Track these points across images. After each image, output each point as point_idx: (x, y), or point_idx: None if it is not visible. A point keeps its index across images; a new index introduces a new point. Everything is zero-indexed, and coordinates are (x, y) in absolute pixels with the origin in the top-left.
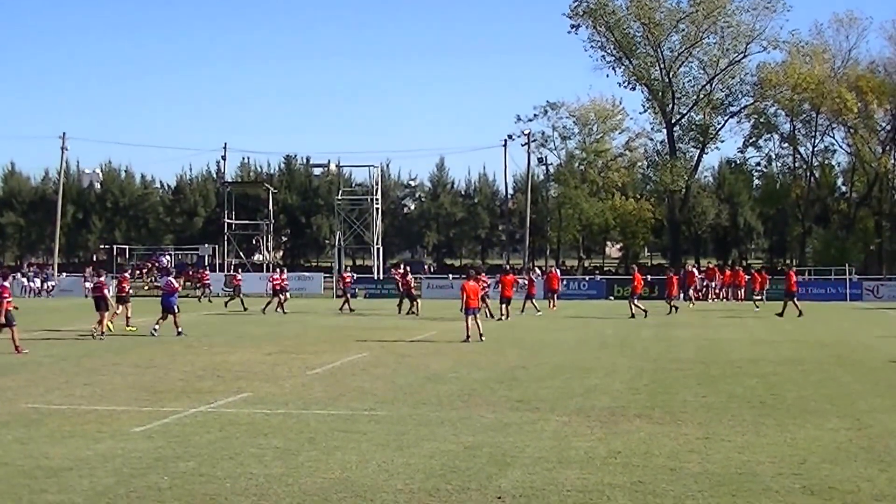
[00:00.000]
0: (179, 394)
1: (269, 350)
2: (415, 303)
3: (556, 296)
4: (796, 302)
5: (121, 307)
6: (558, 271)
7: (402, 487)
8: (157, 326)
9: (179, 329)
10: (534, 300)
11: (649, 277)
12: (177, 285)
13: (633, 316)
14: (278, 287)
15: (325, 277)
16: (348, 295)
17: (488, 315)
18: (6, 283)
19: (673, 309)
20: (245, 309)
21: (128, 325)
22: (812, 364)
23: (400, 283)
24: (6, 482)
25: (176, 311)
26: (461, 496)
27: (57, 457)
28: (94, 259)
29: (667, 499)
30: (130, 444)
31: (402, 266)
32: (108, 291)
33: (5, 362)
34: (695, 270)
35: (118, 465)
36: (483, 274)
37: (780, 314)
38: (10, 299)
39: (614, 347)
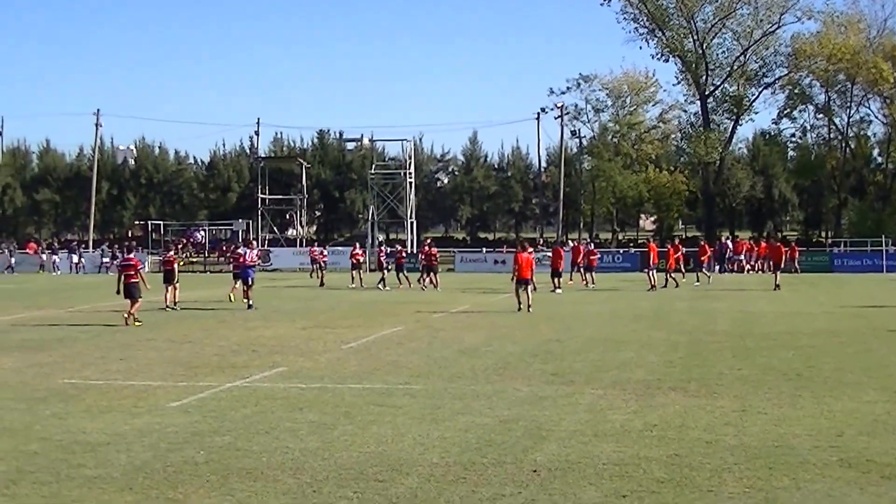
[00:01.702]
0: (215, 369)
1: (303, 324)
2: (435, 276)
3: (582, 271)
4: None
5: (169, 287)
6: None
7: (437, 461)
8: (250, 302)
9: (250, 302)
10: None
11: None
12: (253, 258)
13: (652, 287)
14: (355, 261)
15: (393, 251)
16: (384, 270)
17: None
18: (131, 256)
19: (707, 279)
20: (322, 285)
21: (167, 305)
22: (848, 336)
23: (422, 257)
24: (44, 457)
25: (250, 283)
26: (497, 470)
27: (94, 431)
28: (129, 235)
29: (703, 472)
30: (167, 419)
31: (426, 242)
32: (144, 269)
33: (42, 338)
34: (729, 242)
35: (155, 440)
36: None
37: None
38: (132, 273)
39: (649, 320)
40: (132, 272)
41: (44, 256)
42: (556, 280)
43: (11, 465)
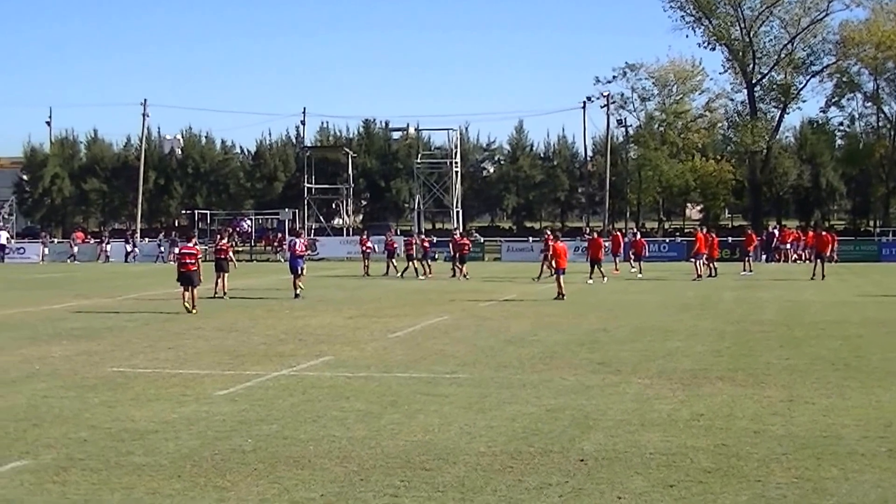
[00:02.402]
0: (262, 357)
1: (349, 314)
2: (463, 266)
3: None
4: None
5: (220, 275)
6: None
7: (484, 450)
8: (298, 291)
9: (298, 291)
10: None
11: (730, 239)
12: (303, 248)
13: (699, 276)
14: (428, 249)
15: (404, 241)
16: (428, 259)
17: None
18: (191, 244)
19: (748, 268)
20: (402, 276)
21: (216, 293)
22: None
23: (452, 246)
24: (94, 444)
25: (300, 273)
26: (543, 459)
27: (142, 419)
28: (176, 224)
29: (750, 461)
30: (214, 408)
31: (456, 231)
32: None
33: (91, 327)
34: (775, 231)
35: (202, 428)
36: (548, 233)
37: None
38: (192, 261)
39: (695, 309)
40: (192, 260)
41: (107, 246)
42: (594, 269)
43: (61, 452)
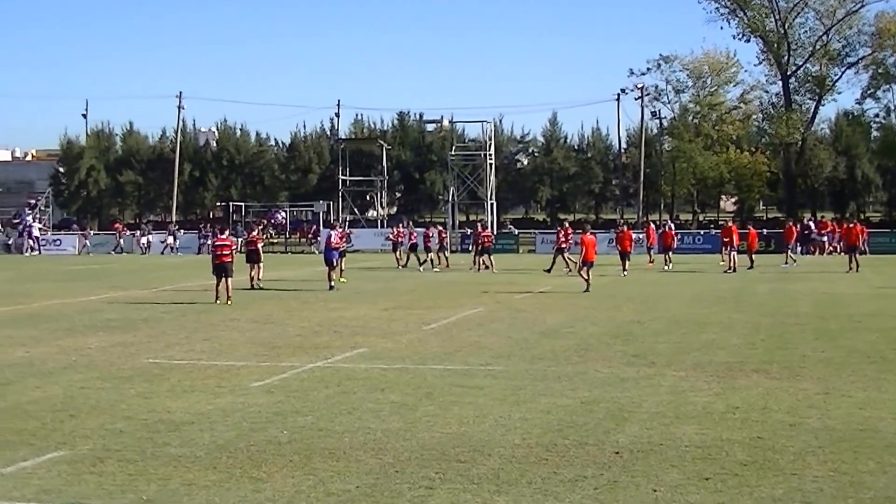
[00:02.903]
0: (297, 349)
1: (384, 305)
2: (487, 258)
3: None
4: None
5: (253, 267)
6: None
7: (519, 442)
8: (333, 283)
9: (333, 283)
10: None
11: (764, 231)
12: (338, 240)
13: (731, 268)
14: (444, 240)
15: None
16: (445, 251)
17: (566, 268)
18: (224, 236)
19: (789, 260)
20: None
21: (252, 285)
22: None
23: (474, 238)
24: (130, 435)
25: (334, 265)
26: (578, 451)
27: (178, 411)
28: (211, 216)
29: (786, 454)
30: (250, 399)
31: (479, 223)
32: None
33: (127, 318)
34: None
35: (238, 420)
36: (567, 226)
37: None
38: (227, 253)
39: (730, 302)
40: (226, 251)
41: (148, 238)
42: (625, 262)
43: (98, 443)
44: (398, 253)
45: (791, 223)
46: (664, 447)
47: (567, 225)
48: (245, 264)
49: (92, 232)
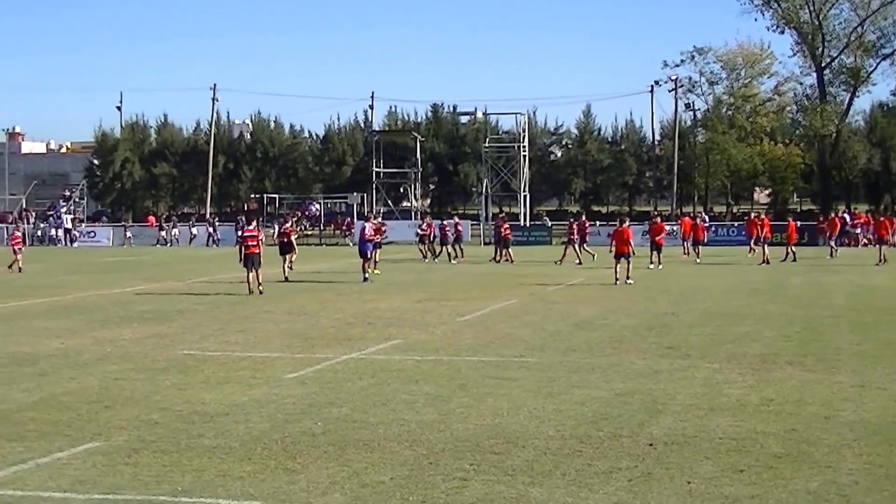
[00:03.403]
0: (331, 341)
1: (418, 297)
2: (507, 251)
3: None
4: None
5: (285, 258)
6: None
7: (553, 434)
8: (366, 275)
9: (367, 275)
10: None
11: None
12: (372, 232)
13: (764, 261)
14: (461, 233)
15: (472, 225)
16: (460, 244)
17: (578, 260)
18: (251, 227)
19: (835, 252)
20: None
21: (286, 277)
22: None
23: (499, 231)
24: (165, 427)
25: (367, 257)
26: (612, 443)
27: (213, 402)
28: (245, 208)
29: (821, 447)
30: (284, 390)
31: (500, 216)
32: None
33: (161, 309)
34: (846, 216)
35: (272, 411)
36: (583, 217)
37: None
38: (254, 243)
39: (764, 294)
40: (253, 242)
41: (194, 229)
42: (657, 254)
43: (133, 434)
44: (426, 245)
45: (835, 215)
46: (698, 439)
47: (584, 218)
48: (278, 256)
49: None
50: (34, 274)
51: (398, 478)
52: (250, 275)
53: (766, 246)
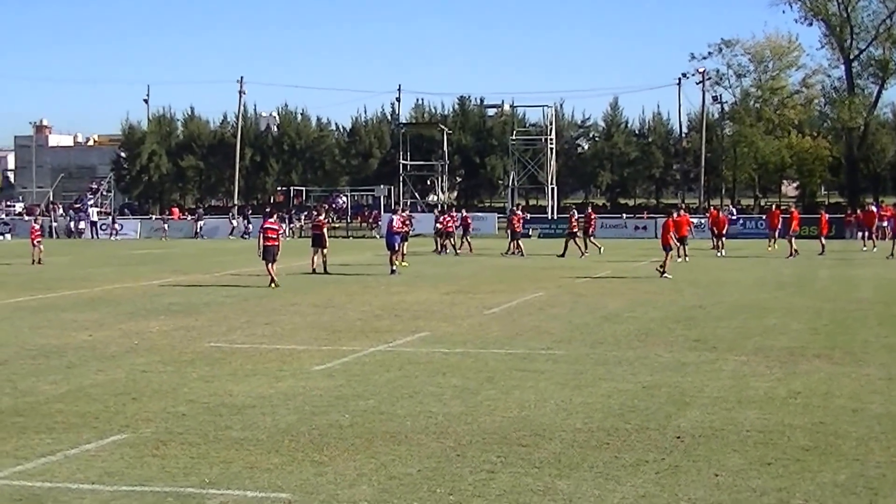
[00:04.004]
0: (358, 333)
1: (445, 290)
2: (514, 243)
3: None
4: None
5: (316, 250)
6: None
7: (580, 426)
8: (394, 267)
9: (394, 267)
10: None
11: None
12: (399, 225)
13: (793, 253)
14: (470, 225)
15: (498, 217)
16: (468, 236)
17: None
18: (272, 220)
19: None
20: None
21: (314, 269)
22: None
23: (513, 224)
24: (192, 419)
25: (395, 249)
26: (640, 436)
27: (240, 394)
28: (272, 201)
29: (849, 440)
30: (311, 383)
31: (517, 208)
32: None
33: (189, 302)
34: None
35: (300, 403)
36: (589, 210)
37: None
38: (274, 236)
39: (792, 287)
40: (273, 235)
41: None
42: (682, 247)
43: (161, 426)
44: (451, 239)
45: (871, 208)
46: (726, 432)
47: (590, 210)
48: (310, 248)
49: (153, 216)
50: (62, 266)
51: (425, 470)
52: (268, 266)
53: (793, 239)
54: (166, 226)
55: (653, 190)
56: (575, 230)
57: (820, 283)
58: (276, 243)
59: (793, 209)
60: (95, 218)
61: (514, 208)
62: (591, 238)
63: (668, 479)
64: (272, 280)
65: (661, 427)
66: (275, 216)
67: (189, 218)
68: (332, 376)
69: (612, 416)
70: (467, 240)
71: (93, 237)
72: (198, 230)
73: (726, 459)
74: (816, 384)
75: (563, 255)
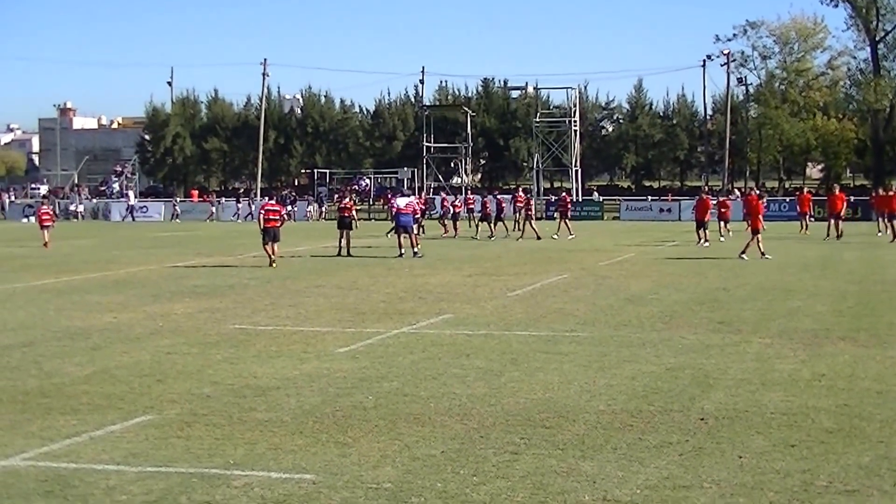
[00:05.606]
0: (382, 315)
1: (469, 272)
2: (517, 226)
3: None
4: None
5: (343, 233)
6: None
7: (604, 408)
8: (416, 250)
9: (415, 249)
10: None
11: (852, 198)
12: (416, 206)
13: (838, 234)
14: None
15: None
16: (531, 220)
17: (531, 232)
18: (273, 201)
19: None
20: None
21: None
22: None
23: (523, 209)
24: (217, 400)
25: (412, 231)
26: (664, 417)
27: (264, 376)
28: (296, 183)
29: (873, 422)
30: (335, 364)
31: (520, 189)
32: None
33: (213, 284)
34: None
35: (324, 385)
36: (564, 194)
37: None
38: (275, 217)
39: (816, 269)
40: (275, 217)
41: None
42: (700, 232)
43: (185, 407)
44: (471, 223)
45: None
46: (749, 414)
47: (565, 195)
48: (336, 230)
49: (178, 199)
50: (87, 249)
51: (449, 451)
52: (267, 247)
53: (840, 221)
54: (177, 208)
55: (677, 172)
56: (530, 213)
57: (845, 266)
58: (277, 224)
59: (838, 191)
60: (133, 202)
61: (520, 192)
62: (566, 221)
63: (691, 460)
64: (271, 260)
65: (685, 409)
66: (276, 198)
67: (213, 200)
68: (355, 358)
69: (636, 397)
70: (477, 224)
71: (132, 220)
72: (213, 213)
73: (750, 441)
74: (841, 366)
75: (556, 236)
